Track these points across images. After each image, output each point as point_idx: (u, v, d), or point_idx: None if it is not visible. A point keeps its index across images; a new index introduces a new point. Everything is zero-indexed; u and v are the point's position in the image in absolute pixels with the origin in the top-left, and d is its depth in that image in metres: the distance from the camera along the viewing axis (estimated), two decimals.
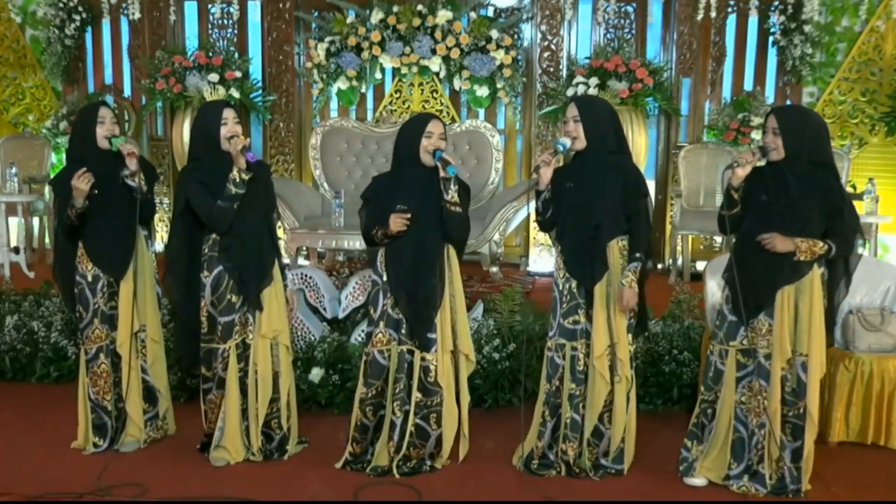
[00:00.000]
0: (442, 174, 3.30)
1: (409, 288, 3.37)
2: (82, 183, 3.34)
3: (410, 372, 3.42)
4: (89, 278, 3.53)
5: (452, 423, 3.45)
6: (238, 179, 3.33)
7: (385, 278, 3.42)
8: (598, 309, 3.31)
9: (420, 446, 3.46)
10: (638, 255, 3.27)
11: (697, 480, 3.34)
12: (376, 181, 3.52)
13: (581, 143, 3.31)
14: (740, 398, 3.28)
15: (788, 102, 6.35)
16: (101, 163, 3.44)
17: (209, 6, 6.86)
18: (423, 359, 3.40)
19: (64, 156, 6.88)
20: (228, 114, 3.38)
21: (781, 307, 3.18)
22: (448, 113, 6.49)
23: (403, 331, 3.41)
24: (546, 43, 6.48)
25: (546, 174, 3.32)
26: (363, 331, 4.12)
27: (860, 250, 3.35)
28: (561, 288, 3.39)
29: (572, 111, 3.34)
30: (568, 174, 3.38)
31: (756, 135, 6.07)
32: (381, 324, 3.42)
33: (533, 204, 3.63)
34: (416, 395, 3.42)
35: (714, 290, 3.87)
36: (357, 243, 4.80)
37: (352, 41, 6.41)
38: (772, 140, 3.18)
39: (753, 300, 3.21)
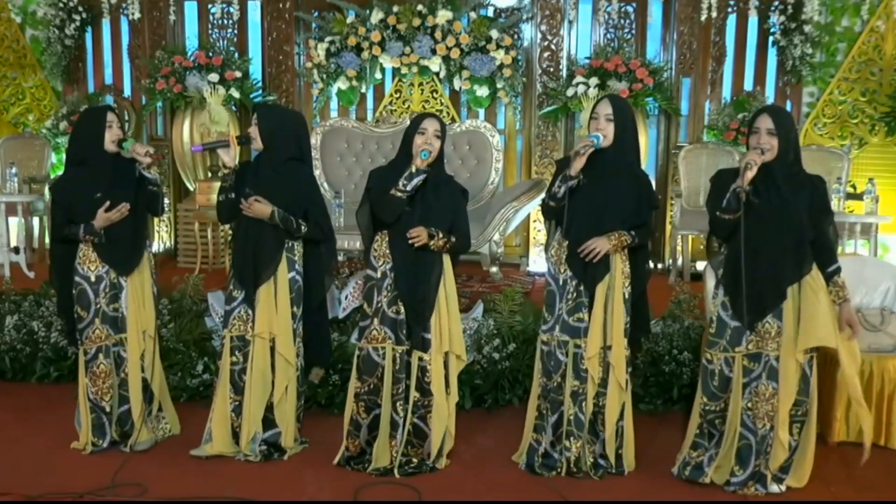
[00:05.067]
0: (416, 163, 3.32)
1: (408, 285, 3.39)
2: (116, 215, 3.45)
3: (408, 372, 3.44)
4: (92, 279, 3.55)
5: (441, 422, 3.45)
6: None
7: (379, 274, 3.42)
8: (597, 310, 3.32)
9: (418, 445, 3.47)
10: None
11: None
12: (378, 172, 3.51)
13: (608, 142, 3.28)
14: (746, 404, 3.26)
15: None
16: (106, 164, 3.52)
17: (209, 6, 6.84)
18: (420, 359, 3.42)
19: (64, 156, 6.92)
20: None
21: (788, 307, 3.18)
22: (448, 113, 6.48)
23: (403, 331, 3.42)
24: (546, 43, 6.47)
25: (579, 163, 3.22)
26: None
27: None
28: (562, 283, 3.38)
29: (606, 108, 3.29)
30: (583, 171, 3.27)
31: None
32: (376, 321, 3.43)
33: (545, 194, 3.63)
34: (414, 394, 3.43)
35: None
36: (357, 243, 4.77)
37: (352, 41, 6.40)
38: (767, 140, 3.16)
39: (759, 303, 3.18)
